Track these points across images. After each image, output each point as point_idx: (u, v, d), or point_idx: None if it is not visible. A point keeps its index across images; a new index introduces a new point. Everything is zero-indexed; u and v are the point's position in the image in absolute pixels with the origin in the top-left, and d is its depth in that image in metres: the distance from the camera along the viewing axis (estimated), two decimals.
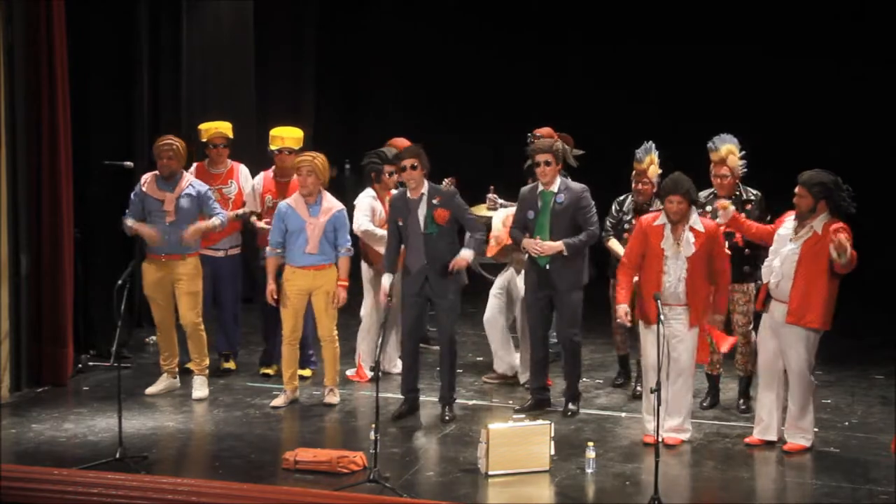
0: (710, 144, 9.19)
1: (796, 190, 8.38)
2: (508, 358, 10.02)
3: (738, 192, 9.14)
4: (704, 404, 9.40)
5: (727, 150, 9.13)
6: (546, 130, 9.87)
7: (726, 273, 8.62)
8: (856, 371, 10.56)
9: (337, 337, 9.41)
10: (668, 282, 8.46)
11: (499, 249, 9.84)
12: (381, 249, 9.63)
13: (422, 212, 8.96)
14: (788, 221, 8.47)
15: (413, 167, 8.92)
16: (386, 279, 9.12)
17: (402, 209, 9.04)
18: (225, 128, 10.20)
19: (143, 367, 10.32)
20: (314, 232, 9.21)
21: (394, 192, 9.56)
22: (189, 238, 9.44)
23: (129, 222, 9.48)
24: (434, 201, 8.95)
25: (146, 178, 9.60)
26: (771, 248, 8.51)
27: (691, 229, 8.45)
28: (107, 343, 10.10)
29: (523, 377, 9.86)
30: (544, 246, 8.95)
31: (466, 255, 8.96)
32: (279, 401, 9.41)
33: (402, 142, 10.07)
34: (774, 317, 8.46)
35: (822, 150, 12.37)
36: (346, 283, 9.32)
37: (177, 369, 9.73)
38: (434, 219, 8.93)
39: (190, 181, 9.57)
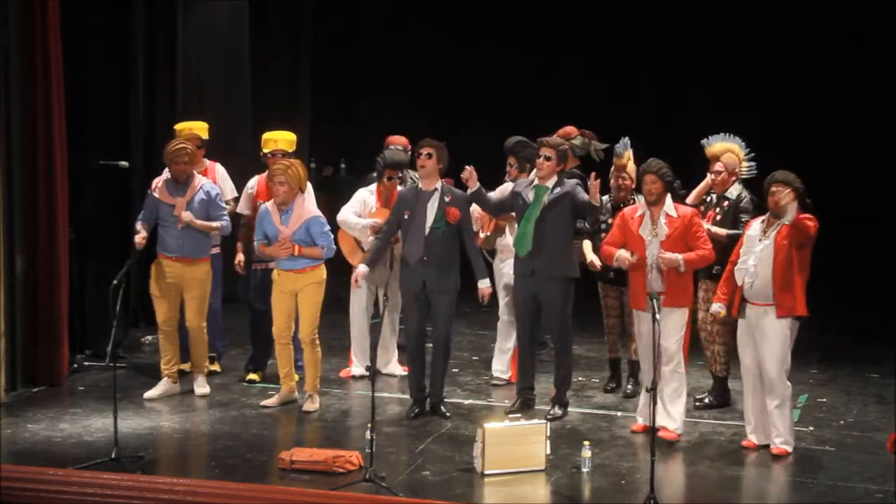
0: (703, 141, 9.24)
1: (775, 188, 8.28)
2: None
3: (727, 192, 9.14)
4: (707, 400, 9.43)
5: (721, 147, 9.16)
6: (566, 130, 9.89)
7: (705, 256, 8.58)
8: (851, 370, 10.57)
9: (317, 341, 9.27)
10: (648, 268, 8.53)
11: (493, 228, 9.78)
12: (358, 235, 9.75)
13: (432, 206, 8.95)
14: (755, 224, 8.46)
15: (429, 155, 8.94)
16: (362, 268, 9.15)
17: (411, 201, 9.02)
18: (199, 128, 10.04)
19: (139, 367, 10.32)
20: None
21: (401, 188, 9.57)
22: (183, 217, 9.28)
23: (139, 234, 9.34)
24: (446, 199, 8.96)
25: (157, 182, 9.46)
26: (741, 251, 8.42)
27: (665, 215, 8.53)
28: (102, 343, 10.12)
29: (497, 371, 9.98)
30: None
31: (487, 284, 9.01)
32: (271, 400, 9.38)
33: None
34: (750, 319, 8.37)
35: (823, 152, 12.47)
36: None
37: (177, 373, 9.68)
38: (445, 215, 8.93)
39: (201, 183, 9.45)
